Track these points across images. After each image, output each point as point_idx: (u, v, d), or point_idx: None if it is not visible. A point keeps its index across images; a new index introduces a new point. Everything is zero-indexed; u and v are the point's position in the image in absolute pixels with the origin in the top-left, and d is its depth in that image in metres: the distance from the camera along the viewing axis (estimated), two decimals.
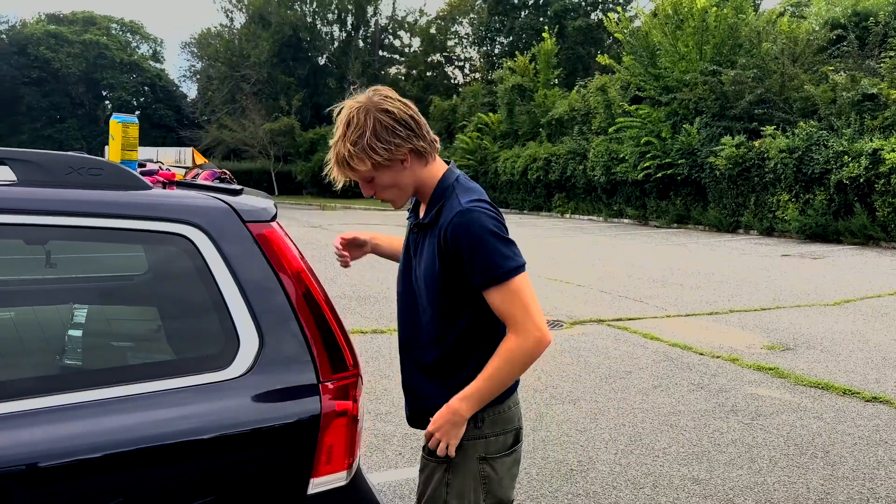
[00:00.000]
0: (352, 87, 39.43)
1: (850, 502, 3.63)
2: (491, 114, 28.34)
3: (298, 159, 34.97)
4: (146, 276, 2.28)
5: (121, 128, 1.90)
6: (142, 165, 1.95)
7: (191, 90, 52.65)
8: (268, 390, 1.69)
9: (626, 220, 21.03)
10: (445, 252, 1.83)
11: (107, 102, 48.37)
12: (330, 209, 26.51)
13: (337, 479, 1.76)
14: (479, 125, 28.38)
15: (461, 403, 1.84)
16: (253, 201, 1.86)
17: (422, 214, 1.95)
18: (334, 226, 18.85)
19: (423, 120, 1.89)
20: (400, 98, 1.87)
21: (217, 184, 1.90)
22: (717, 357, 6.30)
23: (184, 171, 2.08)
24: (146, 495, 1.56)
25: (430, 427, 1.89)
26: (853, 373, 5.81)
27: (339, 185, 1.94)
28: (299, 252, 1.87)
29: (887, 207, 14.03)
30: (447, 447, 1.86)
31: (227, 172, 2.00)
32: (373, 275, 10.53)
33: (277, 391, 1.70)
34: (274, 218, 1.86)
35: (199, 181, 1.93)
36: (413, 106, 1.89)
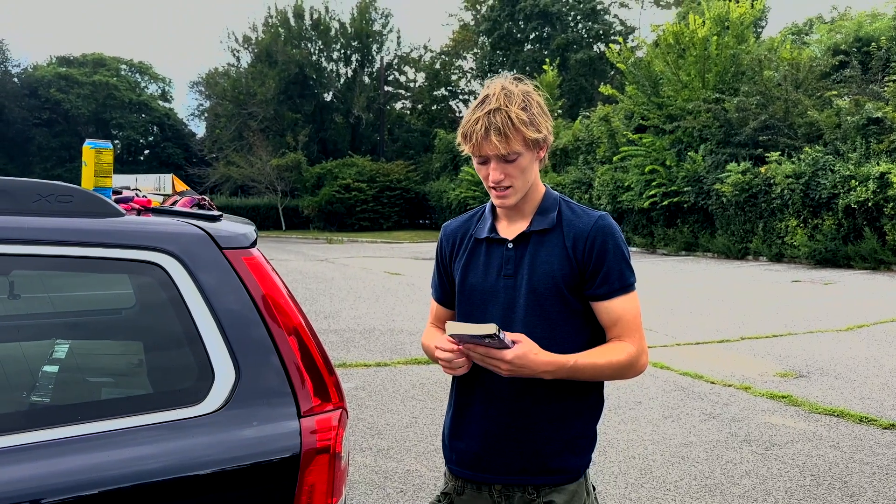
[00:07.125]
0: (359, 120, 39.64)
1: None
2: None
3: (305, 194, 35.10)
4: (129, 310, 2.20)
5: (94, 154, 1.84)
6: (117, 193, 1.88)
7: (199, 128, 53.06)
8: (243, 426, 1.59)
9: (634, 249, 20.90)
10: (574, 254, 1.76)
11: (116, 142, 48.86)
12: (337, 243, 26.50)
13: None
14: None
15: (553, 364, 1.68)
16: (231, 227, 1.78)
17: (517, 227, 1.82)
18: (340, 259, 18.80)
19: None
20: None
21: (195, 210, 1.83)
22: (729, 385, 6.15)
23: (162, 198, 2.02)
24: None
25: (513, 357, 1.64)
26: (869, 399, 5.65)
27: (476, 158, 1.76)
28: (281, 280, 1.79)
29: None
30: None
31: (207, 199, 1.93)
32: (377, 307, 10.44)
33: (254, 427, 1.61)
34: (254, 244, 1.78)
35: (177, 208, 1.86)
36: None
